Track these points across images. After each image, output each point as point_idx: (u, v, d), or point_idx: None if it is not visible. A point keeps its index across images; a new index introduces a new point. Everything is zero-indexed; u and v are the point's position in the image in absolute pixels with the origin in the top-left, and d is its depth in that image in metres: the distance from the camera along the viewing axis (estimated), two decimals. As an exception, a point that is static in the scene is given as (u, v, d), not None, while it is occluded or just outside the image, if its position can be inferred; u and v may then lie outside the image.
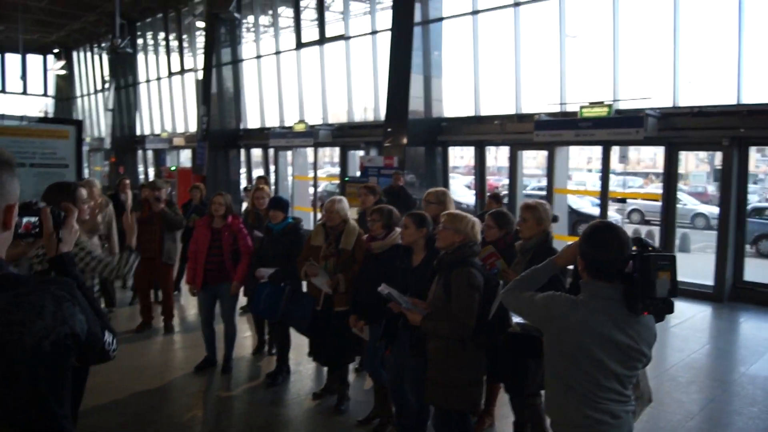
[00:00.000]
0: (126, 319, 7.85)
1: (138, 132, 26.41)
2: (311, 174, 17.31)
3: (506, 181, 12.64)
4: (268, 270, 5.51)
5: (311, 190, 17.19)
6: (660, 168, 10.69)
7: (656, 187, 21.97)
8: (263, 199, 6.67)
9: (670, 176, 10.21)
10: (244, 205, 8.28)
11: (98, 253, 3.53)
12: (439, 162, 13.39)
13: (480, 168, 13.01)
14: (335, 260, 4.91)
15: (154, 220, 7.13)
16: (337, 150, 16.69)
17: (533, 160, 25.58)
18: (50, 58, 33.05)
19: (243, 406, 5.20)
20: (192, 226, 7.03)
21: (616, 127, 10.09)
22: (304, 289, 5.28)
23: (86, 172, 9.28)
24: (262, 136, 18.15)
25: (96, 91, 30.15)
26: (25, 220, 1.93)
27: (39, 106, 34.49)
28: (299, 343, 5.86)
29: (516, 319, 3.31)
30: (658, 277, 2.28)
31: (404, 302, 3.59)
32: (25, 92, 33.88)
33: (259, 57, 18.88)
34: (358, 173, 13.07)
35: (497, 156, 22.27)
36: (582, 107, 10.64)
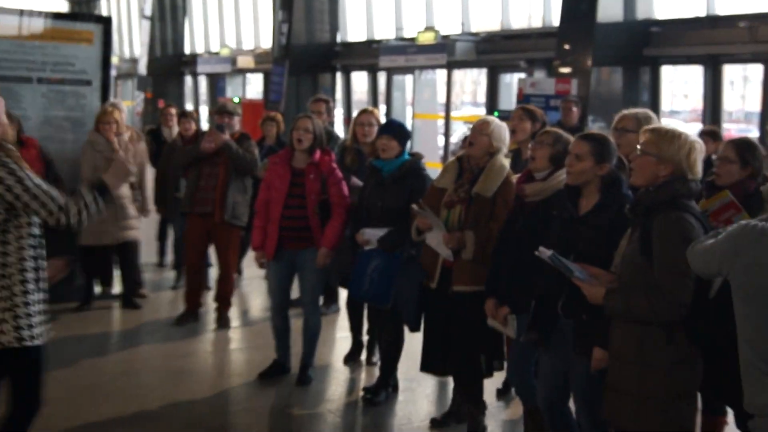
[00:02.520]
0: (162, 307, 8.15)
1: (186, 49, 27.52)
2: (442, 113, 17.31)
3: (757, 134, 12.12)
4: (376, 231, 5.58)
5: (441, 140, 17.23)
6: None
7: None
8: (370, 127, 6.56)
9: None
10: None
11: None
12: (646, 92, 13.09)
13: (712, 99, 12.52)
14: (463, 210, 4.96)
15: (217, 159, 7.29)
16: (483, 73, 16.65)
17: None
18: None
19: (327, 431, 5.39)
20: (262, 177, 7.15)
21: None
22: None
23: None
24: (368, 53, 18.49)
25: (128, -10, 31.77)
26: None
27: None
28: (414, 348, 5.83)
29: None
30: None
31: (577, 270, 3.61)
32: (31, -8, 36.18)
33: (366, -69, 19.16)
34: (514, 106, 12.83)
35: (745, 93, 21.14)
36: None
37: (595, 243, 3.83)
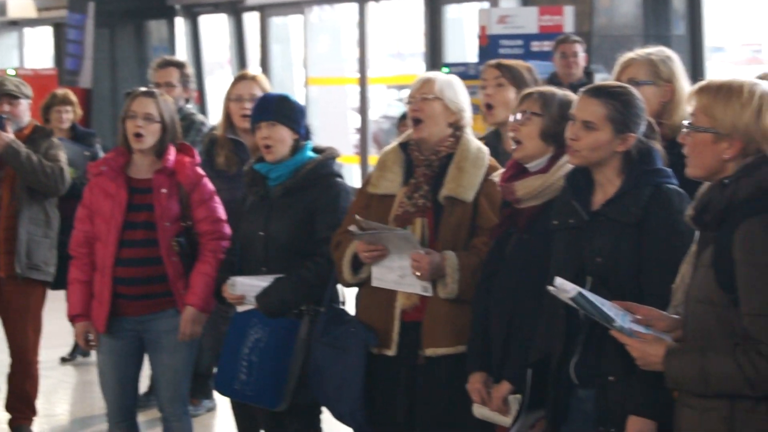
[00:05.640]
0: None
1: None
2: (355, 74, 15.50)
3: None
4: (255, 282, 5.06)
5: (356, 118, 15.51)
6: None
7: None
8: (251, 102, 5.84)
9: None
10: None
11: None
12: (681, 22, 12.05)
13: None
14: (428, 225, 4.58)
15: None
16: (419, 5, 14.58)
17: None
18: None
19: None
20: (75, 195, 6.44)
21: None
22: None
23: None
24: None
25: None
26: None
27: None
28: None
29: None
30: None
31: (618, 316, 3.24)
32: None
33: None
34: (476, 57, 11.40)
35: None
36: None
37: (621, 251, 3.54)
